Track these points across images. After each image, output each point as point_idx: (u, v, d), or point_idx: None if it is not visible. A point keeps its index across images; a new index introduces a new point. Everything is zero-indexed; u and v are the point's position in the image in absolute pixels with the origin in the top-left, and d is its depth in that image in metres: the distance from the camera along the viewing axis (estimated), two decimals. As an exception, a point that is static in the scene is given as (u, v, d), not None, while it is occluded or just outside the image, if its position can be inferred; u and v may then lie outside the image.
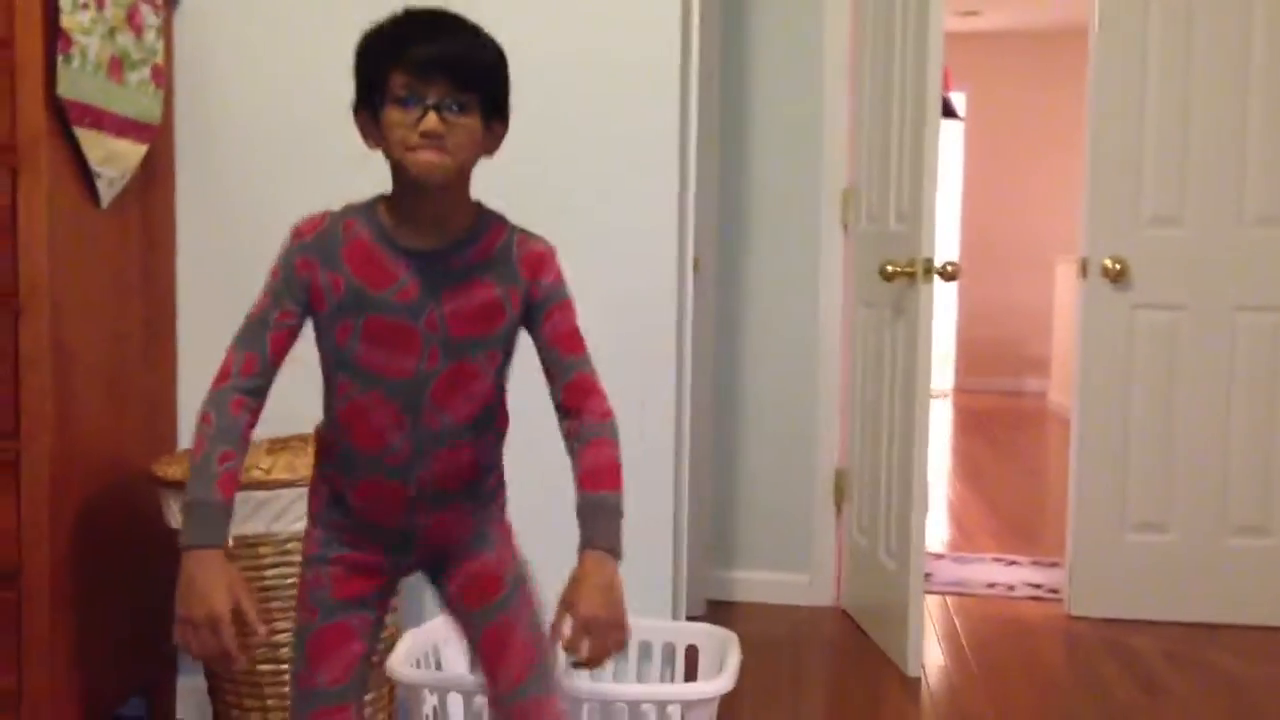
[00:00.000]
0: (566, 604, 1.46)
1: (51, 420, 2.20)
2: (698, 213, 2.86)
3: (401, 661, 2.28)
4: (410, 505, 1.58)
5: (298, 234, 1.57)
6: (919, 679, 3.09)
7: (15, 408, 2.18)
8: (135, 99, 2.42)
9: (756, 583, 3.74)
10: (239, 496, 2.21)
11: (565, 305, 1.59)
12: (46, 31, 2.15)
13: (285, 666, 2.28)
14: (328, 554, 1.63)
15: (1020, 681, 3.13)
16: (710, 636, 2.50)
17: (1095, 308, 3.64)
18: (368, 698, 2.38)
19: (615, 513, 1.53)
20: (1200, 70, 3.54)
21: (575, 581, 1.48)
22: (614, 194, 2.63)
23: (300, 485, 2.23)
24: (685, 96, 2.65)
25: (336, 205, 2.69)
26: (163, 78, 2.54)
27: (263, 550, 2.24)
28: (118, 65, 2.35)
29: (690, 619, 2.82)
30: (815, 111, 3.68)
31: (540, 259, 1.58)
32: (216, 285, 2.70)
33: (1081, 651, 3.38)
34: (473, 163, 1.52)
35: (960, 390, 9.13)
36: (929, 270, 3.07)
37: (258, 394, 1.56)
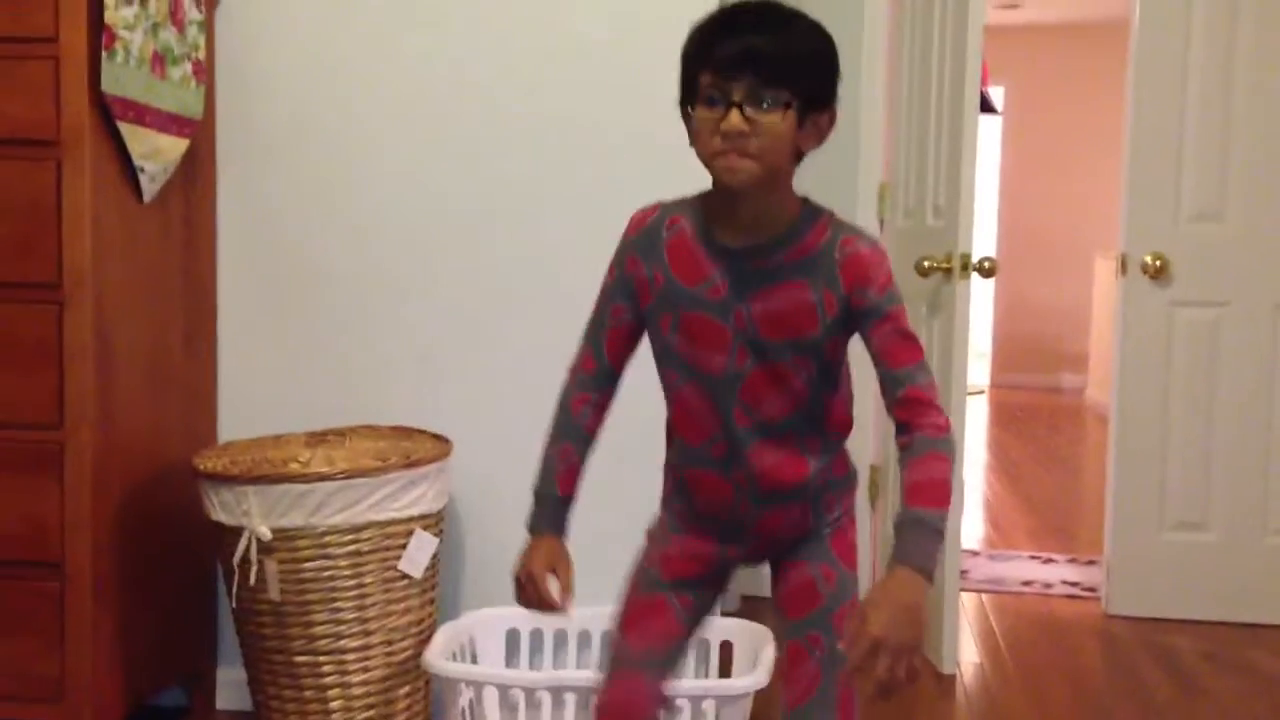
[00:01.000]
0: (861, 617, 1.37)
1: (94, 412, 2.23)
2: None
3: (437, 655, 2.29)
4: (734, 498, 1.59)
5: (628, 229, 1.60)
6: (954, 677, 3.08)
7: (59, 399, 2.21)
8: (177, 94, 2.45)
9: (791, 578, 3.73)
10: (277, 490, 2.25)
11: (893, 314, 1.51)
12: (90, 27, 2.17)
13: (322, 659, 2.30)
14: (664, 534, 1.68)
15: (1056, 680, 3.11)
16: (745, 632, 2.50)
17: (1135, 304, 3.61)
18: (402, 691, 2.39)
19: (933, 532, 1.43)
20: (1242, 64, 3.49)
21: (876, 595, 1.38)
22: (647, 193, 2.62)
23: (338, 478, 2.24)
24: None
25: (370, 198, 2.72)
26: (204, 73, 2.56)
27: (300, 543, 2.26)
28: (160, 60, 2.37)
29: (724, 615, 2.82)
30: (852, 105, 3.65)
31: (864, 264, 1.50)
32: (257, 278, 2.73)
33: (1119, 650, 3.35)
34: (786, 160, 1.47)
35: (997, 387, 9.07)
36: (966, 266, 3.05)
37: (599, 389, 1.63)
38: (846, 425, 1.67)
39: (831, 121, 1.51)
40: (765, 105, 1.41)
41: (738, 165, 1.42)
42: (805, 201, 1.54)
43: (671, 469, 1.68)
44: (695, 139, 1.46)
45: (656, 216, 1.58)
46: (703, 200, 1.55)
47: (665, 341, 1.56)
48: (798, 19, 1.47)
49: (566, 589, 1.58)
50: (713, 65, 1.42)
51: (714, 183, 1.50)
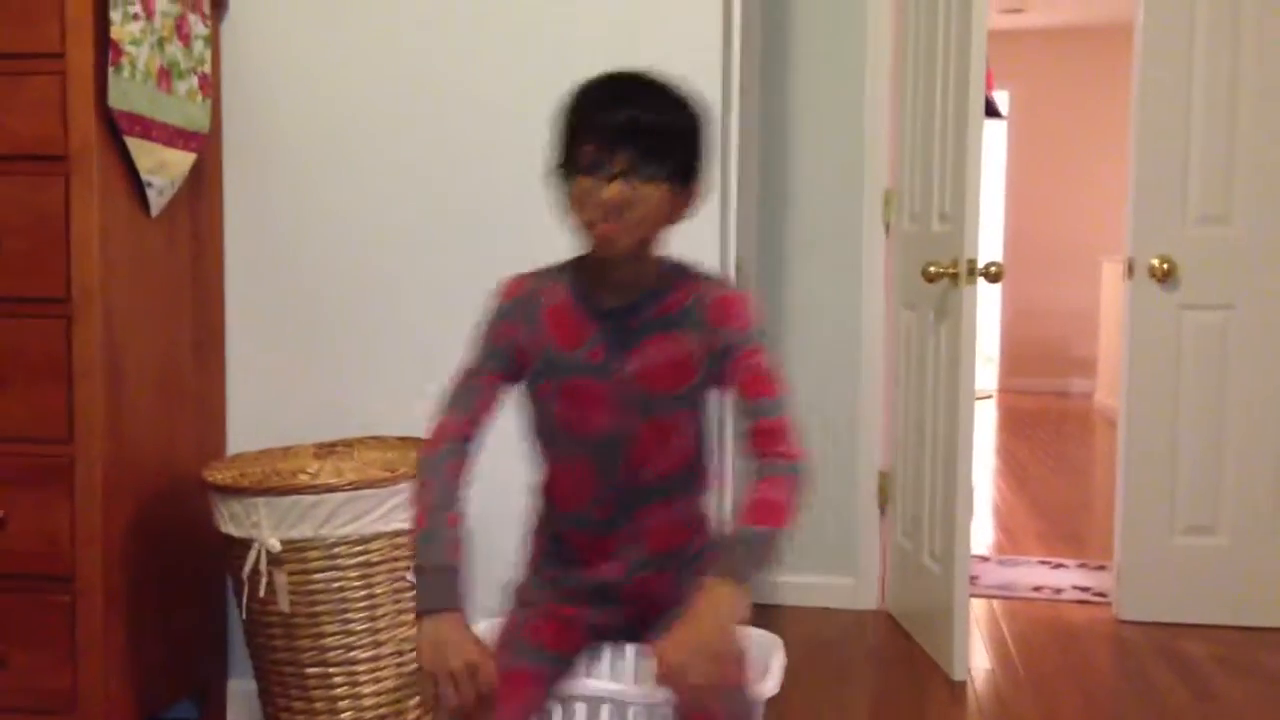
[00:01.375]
0: (664, 642, 1.39)
1: (104, 425, 2.23)
2: (739, 215, 2.86)
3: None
4: (614, 562, 1.59)
5: (501, 296, 1.60)
6: (965, 683, 3.08)
7: (69, 413, 2.21)
8: (183, 108, 2.46)
9: (801, 586, 3.73)
10: (286, 501, 2.25)
11: (754, 350, 1.53)
12: (97, 43, 2.18)
13: (333, 670, 2.30)
14: (534, 600, 1.65)
15: (1068, 686, 3.10)
16: (755, 640, 2.50)
17: (1142, 308, 3.60)
18: (413, 702, 2.40)
19: (754, 547, 1.44)
20: (1247, 67, 3.49)
21: (683, 617, 1.40)
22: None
23: (346, 490, 2.25)
24: (726, 99, 2.65)
25: (377, 210, 2.73)
26: (210, 87, 2.57)
27: (310, 554, 2.26)
28: (166, 75, 2.38)
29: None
30: (857, 111, 3.68)
31: (726, 306, 1.54)
32: (264, 292, 2.73)
33: (1130, 656, 3.34)
34: (658, 230, 1.51)
35: (1005, 391, 9.06)
36: (972, 271, 3.05)
37: (469, 456, 1.59)
38: (708, 482, 1.67)
39: (700, 194, 1.53)
40: (644, 178, 1.43)
41: (614, 235, 1.45)
42: (668, 260, 1.57)
43: (544, 531, 1.65)
44: (572, 205, 1.47)
45: (531, 284, 1.58)
46: (574, 266, 1.57)
47: (544, 409, 1.56)
48: (677, 94, 1.50)
49: (490, 679, 1.46)
50: (595, 134, 1.44)
51: (589, 250, 1.52)
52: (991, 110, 6.06)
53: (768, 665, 2.32)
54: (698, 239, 2.63)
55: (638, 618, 1.63)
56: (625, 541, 1.57)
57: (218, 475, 2.36)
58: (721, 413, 1.67)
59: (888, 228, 3.68)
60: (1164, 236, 3.56)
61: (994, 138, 8.57)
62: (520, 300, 1.58)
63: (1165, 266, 3.54)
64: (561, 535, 1.62)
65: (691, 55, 2.57)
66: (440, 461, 1.56)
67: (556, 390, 1.55)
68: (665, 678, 1.37)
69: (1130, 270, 3.61)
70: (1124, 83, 3.92)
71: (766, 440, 1.51)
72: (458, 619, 1.48)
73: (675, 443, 1.56)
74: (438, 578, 1.50)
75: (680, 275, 1.57)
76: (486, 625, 1.68)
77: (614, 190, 1.42)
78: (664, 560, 1.60)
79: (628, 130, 1.42)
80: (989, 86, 5.27)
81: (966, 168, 3.04)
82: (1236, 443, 3.56)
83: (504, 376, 1.58)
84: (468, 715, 1.45)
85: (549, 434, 1.58)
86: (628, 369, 1.53)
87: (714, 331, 1.53)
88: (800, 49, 3.69)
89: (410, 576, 2.35)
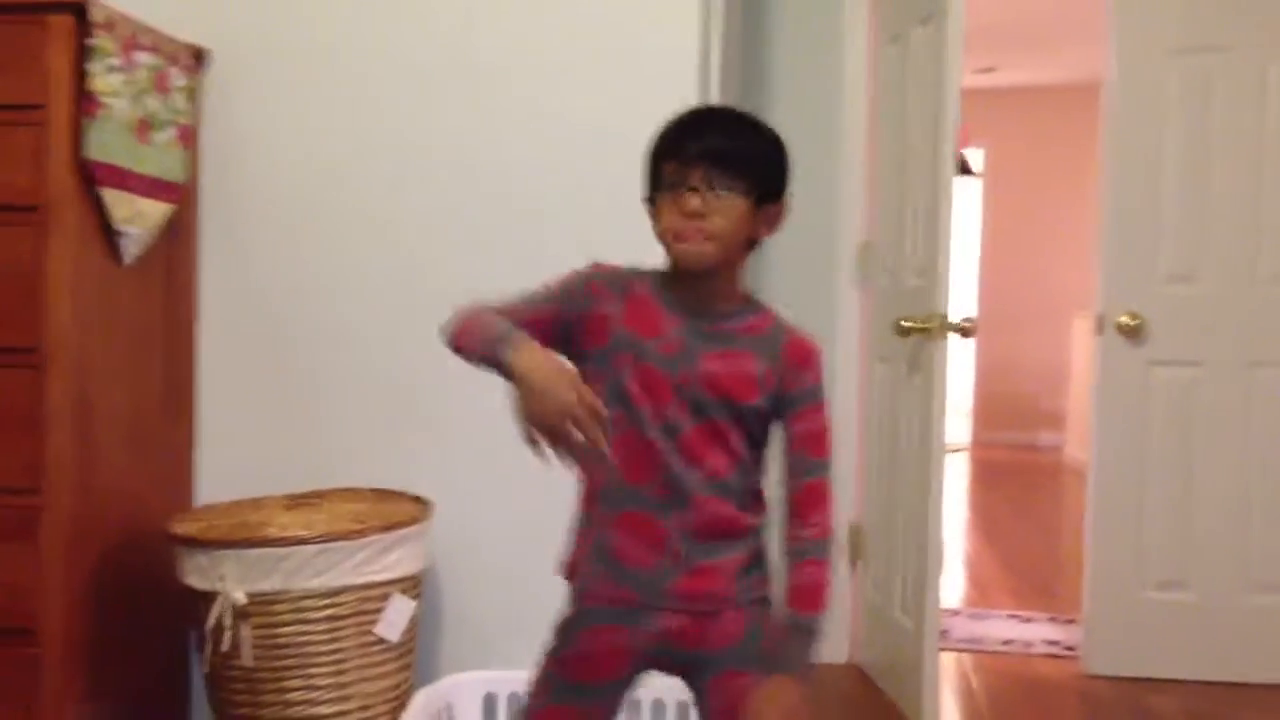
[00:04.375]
0: None
1: (73, 477, 2.22)
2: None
3: None
4: (666, 545, 1.58)
5: (595, 266, 1.64)
6: (936, 738, 3.07)
7: (38, 464, 2.20)
8: (161, 159, 2.46)
9: (772, 639, 3.71)
10: (253, 554, 2.23)
11: (820, 407, 1.63)
12: (75, 94, 2.19)
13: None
14: (573, 628, 1.64)
15: (1038, 742, 3.10)
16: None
17: (1111, 363, 3.64)
18: (381, 755, 2.37)
19: (809, 634, 1.57)
20: (1216, 127, 3.55)
21: (760, 704, 1.53)
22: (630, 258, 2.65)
23: (316, 542, 2.24)
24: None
25: (352, 263, 2.74)
26: (189, 138, 2.58)
27: (277, 608, 2.25)
28: (145, 126, 2.39)
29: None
30: (832, 167, 3.71)
31: (807, 354, 1.63)
32: (237, 343, 2.73)
33: (1099, 711, 3.34)
34: (739, 245, 1.58)
35: (977, 444, 9.10)
36: (945, 326, 3.08)
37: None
38: (762, 512, 1.68)
39: (781, 214, 1.63)
40: (721, 191, 1.53)
41: (695, 246, 1.54)
42: (751, 294, 1.66)
43: (593, 522, 1.63)
44: (657, 221, 1.57)
45: (624, 270, 1.65)
46: (662, 272, 1.63)
47: (620, 380, 1.58)
48: (755, 123, 1.63)
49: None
50: (675, 157, 1.55)
51: (671, 266, 1.59)
52: (965, 167, 6.14)
53: None
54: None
55: (685, 634, 1.60)
56: (678, 527, 1.58)
57: (183, 527, 2.34)
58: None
59: (862, 282, 3.71)
60: (1133, 293, 3.60)
61: (967, 194, 8.66)
62: (612, 275, 1.63)
63: (1134, 323, 3.58)
64: (621, 513, 1.59)
65: (668, 108, 2.60)
66: (488, 307, 1.59)
67: (632, 369, 1.58)
68: None
69: (1100, 326, 3.65)
70: (1095, 141, 3.98)
71: (810, 502, 1.62)
72: (546, 351, 1.50)
73: (728, 446, 1.59)
74: (509, 336, 1.51)
75: (761, 305, 1.66)
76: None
77: (691, 199, 1.52)
78: (720, 546, 1.60)
79: (705, 150, 1.53)
80: (963, 143, 5.33)
81: (939, 224, 3.08)
82: (1205, 498, 3.59)
83: (562, 316, 1.60)
84: (595, 445, 1.46)
85: (619, 407, 1.57)
86: (697, 369, 1.57)
87: (788, 371, 1.61)
88: (777, 105, 3.72)
89: (378, 630, 2.33)
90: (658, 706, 2.49)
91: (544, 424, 1.45)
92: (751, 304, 1.65)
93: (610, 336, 1.59)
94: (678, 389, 1.57)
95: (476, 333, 1.55)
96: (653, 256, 1.63)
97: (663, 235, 1.56)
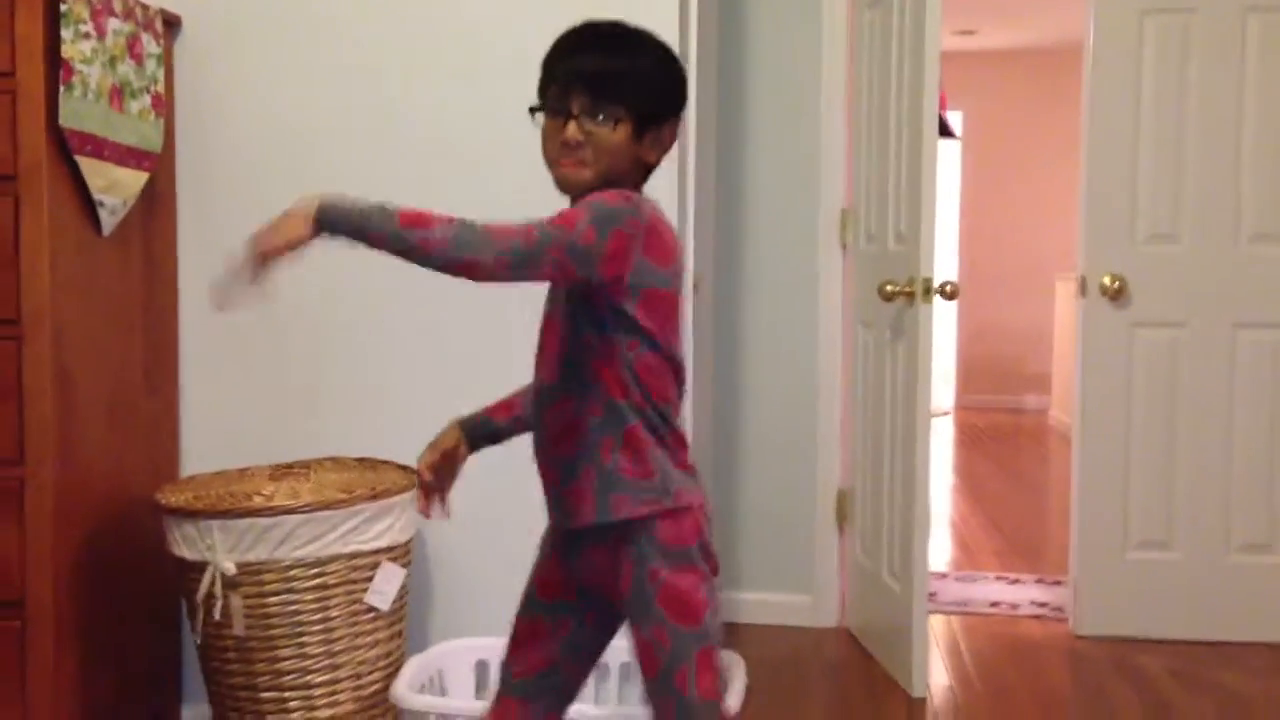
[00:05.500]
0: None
1: (55, 448, 2.20)
2: (697, 234, 2.87)
3: (406, 688, 2.27)
4: (543, 466, 1.61)
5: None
6: (924, 700, 3.08)
7: (19, 435, 2.18)
8: (136, 127, 2.43)
9: (760, 604, 3.73)
10: (241, 524, 2.22)
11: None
12: (48, 61, 2.16)
13: (288, 694, 2.28)
14: (544, 544, 1.68)
15: (1026, 701, 3.12)
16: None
17: (1094, 326, 3.64)
18: (372, 724, 2.37)
19: (366, 213, 1.39)
20: (1195, 88, 3.55)
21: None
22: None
23: (303, 511, 2.23)
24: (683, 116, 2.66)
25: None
26: (163, 105, 2.55)
27: (266, 577, 2.24)
28: (118, 94, 2.36)
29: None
30: (813, 132, 3.70)
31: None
32: (219, 314, 2.70)
33: (1087, 671, 3.37)
34: (624, 169, 1.55)
35: (961, 408, 9.13)
36: (928, 290, 3.07)
37: None
38: (623, 396, 1.53)
39: (673, 135, 1.59)
40: (599, 119, 1.51)
41: (573, 173, 1.53)
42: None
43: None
44: (542, 143, 1.56)
45: None
46: None
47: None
48: (640, 39, 1.57)
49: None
50: (556, 79, 1.53)
51: (556, 186, 1.57)
52: (945, 130, 6.13)
53: (729, 682, 2.32)
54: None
55: (605, 564, 1.56)
56: (542, 450, 1.61)
57: (171, 498, 2.33)
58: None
59: (844, 247, 3.70)
60: (1115, 255, 3.60)
61: (948, 157, 8.65)
62: None
63: (1116, 285, 3.58)
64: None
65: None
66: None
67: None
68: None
69: (1083, 288, 3.66)
70: (1075, 103, 3.98)
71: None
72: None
73: (554, 339, 1.60)
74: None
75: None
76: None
77: (570, 130, 1.51)
78: (573, 465, 1.56)
79: (584, 74, 1.51)
80: (942, 107, 5.32)
81: (921, 187, 3.07)
82: (1188, 458, 3.60)
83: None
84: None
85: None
86: None
87: None
88: (755, 71, 3.71)
89: (368, 599, 2.33)
90: (624, 669, 2.50)
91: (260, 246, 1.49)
92: None
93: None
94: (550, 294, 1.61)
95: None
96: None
97: (546, 159, 1.55)
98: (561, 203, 1.56)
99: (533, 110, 1.57)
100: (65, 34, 2.18)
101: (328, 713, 2.31)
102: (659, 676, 1.53)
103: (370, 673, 2.36)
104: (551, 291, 1.61)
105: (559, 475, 1.58)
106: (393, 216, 1.38)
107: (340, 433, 2.66)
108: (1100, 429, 3.65)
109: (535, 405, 1.61)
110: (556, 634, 1.64)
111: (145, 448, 2.58)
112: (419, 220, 1.38)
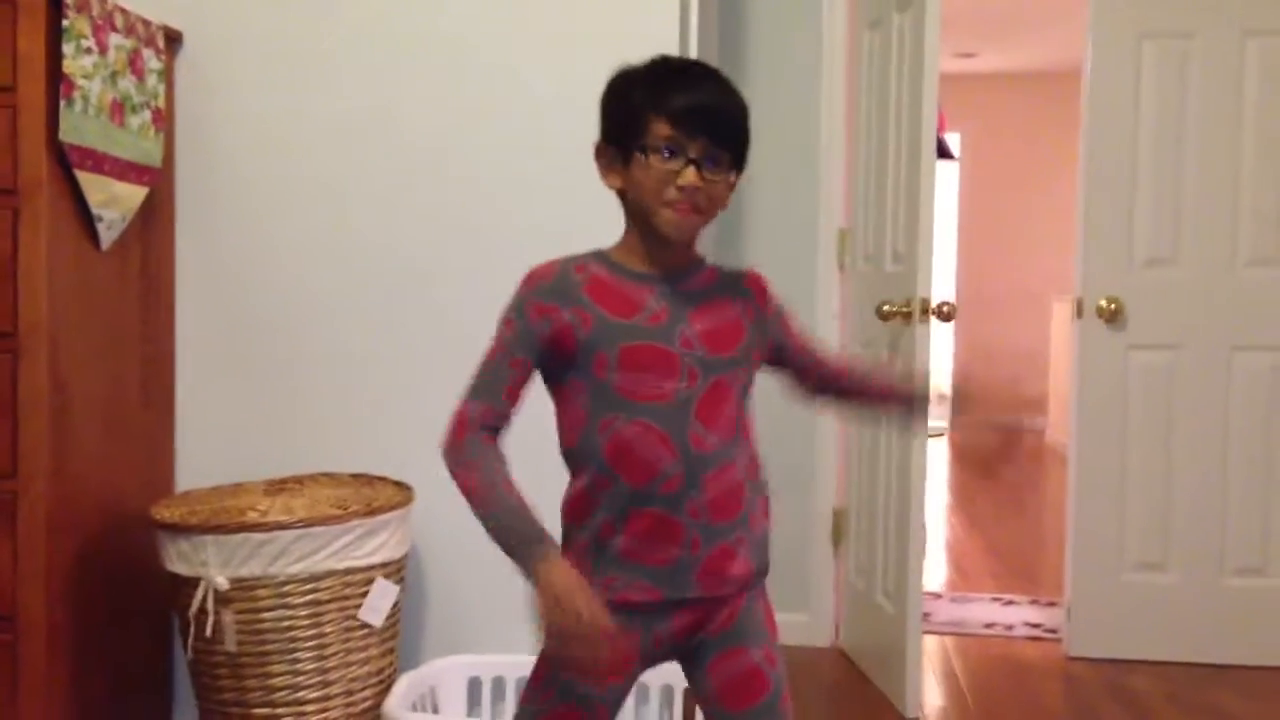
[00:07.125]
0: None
1: (49, 462, 2.20)
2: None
3: (398, 705, 2.27)
4: (685, 536, 1.51)
5: (527, 282, 1.55)
6: (918, 720, 3.08)
7: (13, 449, 2.18)
8: (136, 142, 2.44)
9: (755, 623, 3.72)
10: (235, 539, 2.22)
11: (793, 317, 1.69)
12: (49, 76, 2.17)
13: (280, 711, 2.27)
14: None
15: (1020, 723, 3.11)
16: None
17: (1091, 348, 3.65)
18: (364, 741, 2.36)
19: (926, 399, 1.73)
20: (1193, 112, 3.56)
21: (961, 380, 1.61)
22: (601, 242, 2.64)
23: (297, 527, 2.23)
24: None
25: (329, 246, 2.72)
26: (163, 121, 2.56)
27: (259, 593, 2.24)
28: (119, 109, 2.37)
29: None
30: (811, 152, 3.71)
31: (761, 279, 1.67)
32: (215, 327, 2.71)
33: (1081, 692, 3.36)
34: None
35: (957, 429, 9.12)
36: (926, 310, 3.08)
37: (500, 433, 1.54)
38: (758, 457, 1.64)
39: (738, 180, 1.59)
40: (714, 165, 1.50)
41: (687, 220, 1.50)
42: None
43: (595, 532, 1.53)
44: (644, 184, 1.50)
45: (559, 267, 1.55)
46: (614, 249, 1.58)
47: (601, 384, 1.50)
48: (730, 81, 1.57)
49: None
50: (670, 116, 1.47)
51: (639, 227, 1.55)
52: (943, 152, 6.15)
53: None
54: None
55: (700, 621, 1.56)
56: (693, 517, 1.50)
57: (165, 512, 2.33)
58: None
59: (842, 267, 3.71)
60: (1112, 278, 3.61)
61: (946, 179, 8.67)
62: (553, 282, 1.53)
63: (1113, 307, 3.59)
64: (630, 517, 1.51)
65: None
66: (474, 441, 1.52)
67: (615, 361, 1.49)
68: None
69: (1079, 310, 3.66)
70: (1074, 126, 3.99)
71: (841, 360, 1.71)
72: (565, 565, 1.44)
73: (728, 405, 1.56)
74: (541, 540, 1.45)
75: (700, 255, 1.63)
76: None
77: (692, 176, 1.47)
78: (731, 530, 1.54)
79: (703, 115, 1.48)
80: (941, 128, 5.34)
81: (919, 208, 3.08)
82: (1184, 481, 3.61)
83: (532, 362, 1.53)
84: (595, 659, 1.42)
85: (609, 410, 1.50)
86: (693, 330, 1.53)
87: (757, 298, 1.63)
88: (755, 90, 3.71)
89: (361, 615, 2.32)
90: (665, 692, 2.50)
91: (556, 629, 1.41)
92: (698, 257, 1.62)
93: (578, 343, 1.50)
94: (682, 355, 1.51)
95: (497, 510, 1.47)
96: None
97: (647, 197, 1.49)
98: (601, 219, 1.63)
99: (613, 145, 1.53)
100: (67, 49, 2.19)
101: (320, 729, 2.30)
102: (771, 695, 1.56)
103: (363, 689, 2.35)
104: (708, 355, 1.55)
105: (702, 538, 1.52)
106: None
107: (335, 448, 2.66)
108: (1096, 450, 3.65)
109: (683, 475, 1.51)
110: (598, 715, 1.58)
111: (140, 462, 2.57)
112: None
